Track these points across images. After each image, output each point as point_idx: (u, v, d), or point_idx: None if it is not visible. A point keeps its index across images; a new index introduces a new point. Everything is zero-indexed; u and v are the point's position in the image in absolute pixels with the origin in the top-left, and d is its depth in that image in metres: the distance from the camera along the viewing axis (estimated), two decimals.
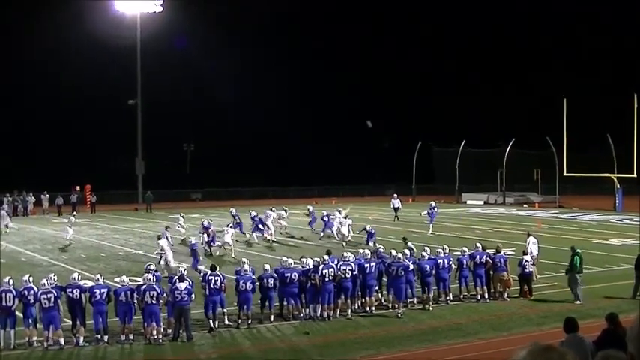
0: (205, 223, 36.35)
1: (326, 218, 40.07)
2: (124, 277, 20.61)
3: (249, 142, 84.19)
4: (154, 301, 19.41)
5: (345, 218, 38.55)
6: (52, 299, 18.80)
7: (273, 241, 38.20)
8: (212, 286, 20.63)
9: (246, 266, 21.73)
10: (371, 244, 33.50)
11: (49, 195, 62.22)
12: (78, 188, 63.45)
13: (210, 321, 20.49)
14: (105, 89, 75.23)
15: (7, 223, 46.11)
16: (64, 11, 76.11)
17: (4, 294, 18.91)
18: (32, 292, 19.15)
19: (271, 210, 40.30)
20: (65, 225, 37.65)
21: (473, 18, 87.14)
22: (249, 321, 20.98)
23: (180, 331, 19.72)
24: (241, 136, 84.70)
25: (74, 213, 42.50)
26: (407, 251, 23.52)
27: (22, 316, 19.28)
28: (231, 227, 35.79)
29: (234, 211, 40.62)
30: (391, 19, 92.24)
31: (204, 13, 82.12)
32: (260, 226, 38.90)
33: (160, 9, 66.21)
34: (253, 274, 21.67)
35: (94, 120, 76.55)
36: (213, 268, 21.40)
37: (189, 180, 79.58)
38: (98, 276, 20.45)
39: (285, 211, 43.01)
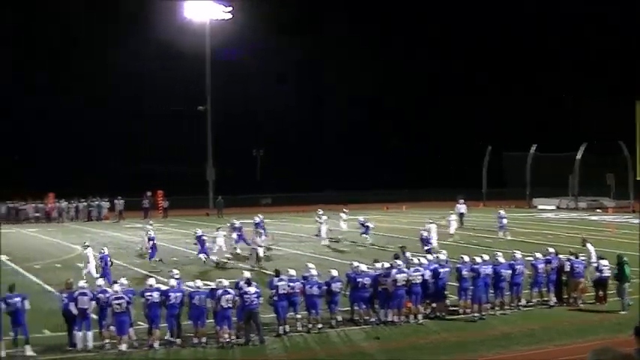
0: (237, 224, 37.23)
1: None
2: (197, 282, 20.82)
3: (318, 147, 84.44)
4: (229, 305, 19.63)
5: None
6: (124, 305, 19.08)
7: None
8: (280, 291, 20.78)
9: (313, 271, 21.79)
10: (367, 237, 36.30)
11: (123, 200, 63.45)
12: (149, 194, 64.43)
13: (281, 327, 20.60)
14: (176, 96, 76.16)
15: None
16: (134, 18, 77.49)
17: (80, 297, 19.26)
18: (106, 295, 19.50)
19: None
20: (143, 233, 38.00)
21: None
22: (320, 326, 21.02)
23: (252, 335, 19.85)
24: (310, 141, 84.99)
25: (150, 222, 42.78)
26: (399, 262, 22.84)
27: (96, 318, 19.65)
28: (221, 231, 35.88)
29: (258, 219, 39.99)
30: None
31: (272, 19, 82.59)
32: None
33: (230, 16, 66.62)
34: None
35: (165, 126, 77.61)
36: (277, 274, 21.54)
37: (259, 185, 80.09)
38: (172, 280, 20.76)
39: (345, 212, 43.41)
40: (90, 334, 19.19)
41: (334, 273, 21.84)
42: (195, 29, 67.13)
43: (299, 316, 21.10)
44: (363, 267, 22.20)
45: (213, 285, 20.42)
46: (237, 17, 67.40)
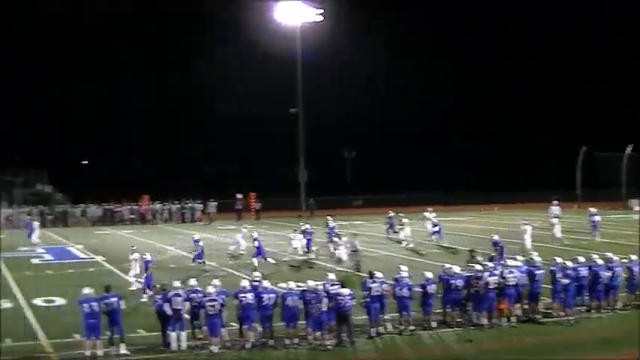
0: (308, 227, 37.54)
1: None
2: (290, 283, 20.88)
3: (411, 148, 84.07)
4: (321, 307, 19.65)
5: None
6: (217, 306, 19.16)
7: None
8: (373, 293, 20.68)
9: (404, 273, 21.60)
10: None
11: (216, 202, 64.32)
12: (240, 196, 65.16)
13: (372, 329, 20.50)
14: (267, 98, 76.76)
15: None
16: (227, 21, 78.37)
17: (174, 297, 19.50)
18: (199, 295, 19.70)
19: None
20: (237, 236, 38.30)
21: None
22: (412, 327, 20.87)
23: (343, 336, 19.81)
24: (402, 142, 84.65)
25: (245, 225, 43.08)
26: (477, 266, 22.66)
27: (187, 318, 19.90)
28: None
29: (331, 223, 39.66)
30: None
31: (364, 21, 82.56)
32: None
33: (321, 18, 66.84)
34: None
35: (258, 128, 78.34)
36: (371, 275, 21.45)
37: (350, 186, 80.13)
38: (266, 282, 20.86)
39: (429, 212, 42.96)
40: (183, 334, 19.38)
41: (429, 275, 21.60)
42: (286, 32, 67.54)
43: (387, 317, 20.97)
44: (456, 269, 21.99)
45: (304, 286, 20.46)
46: (327, 19, 67.62)
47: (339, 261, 31.59)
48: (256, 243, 33.69)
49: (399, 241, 41.03)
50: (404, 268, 22.14)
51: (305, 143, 68.47)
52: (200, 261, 33.40)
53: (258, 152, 79.36)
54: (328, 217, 40.90)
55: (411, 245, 39.69)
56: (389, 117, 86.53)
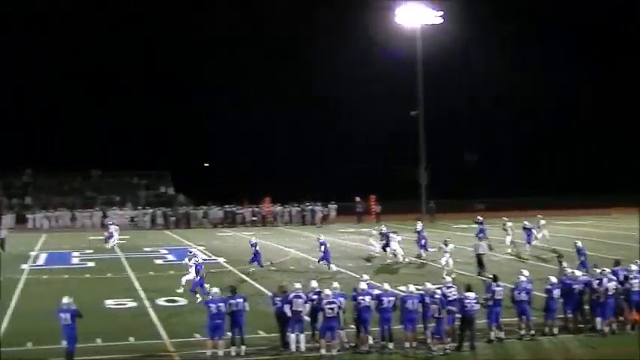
0: (384, 229, 37.74)
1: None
2: (410, 286, 20.62)
3: (535, 150, 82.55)
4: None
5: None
6: (336, 309, 19.09)
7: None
8: (497, 297, 20.38)
9: (523, 277, 21.28)
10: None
11: (336, 205, 64.57)
12: (358, 199, 65.28)
13: (492, 333, 20.21)
14: (387, 100, 76.53)
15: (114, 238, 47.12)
16: (347, 23, 78.55)
17: (295, 299, 19.47)
18: (319, 297, 19.62)
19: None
20: (370, 239, 38.15)
21: None
22: (532, 332, 20.51)
23: (464, 341, 19.52)
24: (526, 144, 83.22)
25: (375, 227, 42.81)
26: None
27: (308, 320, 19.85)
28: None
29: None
30: None
31: (484, 23, 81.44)
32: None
33: (441, 20, 66.26)
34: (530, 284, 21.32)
35: (378, 130, 78.19)
36: (495, 279, 21.08)
37: (472, 189, 79.00)
38: (386, 284, 20.63)
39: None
40: (303, 336, 19.36)
41: (554, 280, 21.32)
42: (407, 33, 67.17)
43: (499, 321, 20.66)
44: (578, 273, 21.47)
45: (422, 290, 20.18)
46: (447, 21, 66.96)
47: (444, 267, 30.84)
48: (322, 247, 33.48)
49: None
50: (525, 272, 21.81)
51: (425, 145, 67.88)
52: (325, 263, 33.24)
53: (378, 154, 79.15)
54: (418, 222, 40.57)
55: (515, 250, 38.72)
56: (510, 119, 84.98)
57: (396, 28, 67.02)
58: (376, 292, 20.20)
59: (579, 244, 30.83)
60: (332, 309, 19.03)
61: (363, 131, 79.52)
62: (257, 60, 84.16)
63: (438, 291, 19.95)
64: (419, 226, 38.82)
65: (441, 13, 65.91)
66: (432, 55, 68.46)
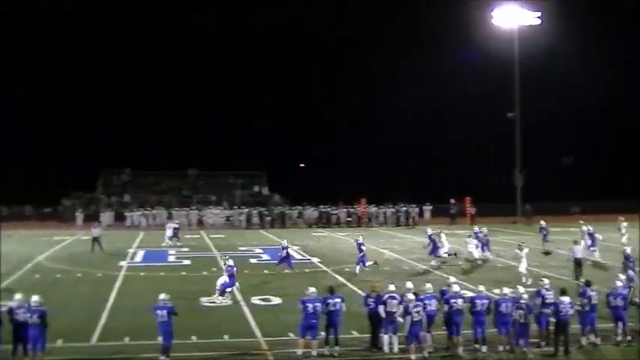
0: (478, 230, 37.89)
1: None
2: (504, 289, 20.32)
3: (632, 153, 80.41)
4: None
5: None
6: (420, 312, 18.98)
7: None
8: (593, 302, 20.07)
9: (619, 282, 21.03)
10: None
11: (431, 206, 64.27)
12: (453, 201, 64.80)
13: (584, 338, 19.90)
14: (484, 101, 75.74)
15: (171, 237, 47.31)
16: (444, 23, 77.99)
17: (389, 300, 19.37)
18: (406, 299, 19.51)
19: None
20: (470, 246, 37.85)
21: None
22: (629, 338, 20.16)
23: (560, 345, 19.25)
24: (621, 146, 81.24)
25: (474, 229, 42.42)
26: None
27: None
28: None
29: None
30: None
31: (581, 22, 79.81)
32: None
33: (539, 21, 65.40)
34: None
35: (474, 131, 77.44)
36: (588, 284, 20.73)
37: (568, 192, 77.52)
38: (481, 287, 20.47)
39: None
40: (395, 337, 19.28)
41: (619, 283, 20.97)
42: (504, 35, 66.43)
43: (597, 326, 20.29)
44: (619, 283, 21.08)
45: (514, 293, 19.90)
46: (545, 22, 65.99)
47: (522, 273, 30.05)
48: (363, 248, 33.40)
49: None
50: (622, 277, 21.60)
51: (521, 147, 66.97)
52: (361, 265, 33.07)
53: (474, 156, 78.40)
54: (475, 227, 40.59)
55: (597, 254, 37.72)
56: (607, 120, 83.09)
57: (494, 30, 66.38)
58: (469, 294, 19.98)
59: (628, 250, 30.30)
60: (418, 312, 18.89)
61: (459, 132, 78.88)
62: (363, 60, 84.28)
63: (525, 296, 19.59)
64: (476, 228, 39.34)
65: (539, 14, 65.08)
66: (529, 56, 67.51)
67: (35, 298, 18.32)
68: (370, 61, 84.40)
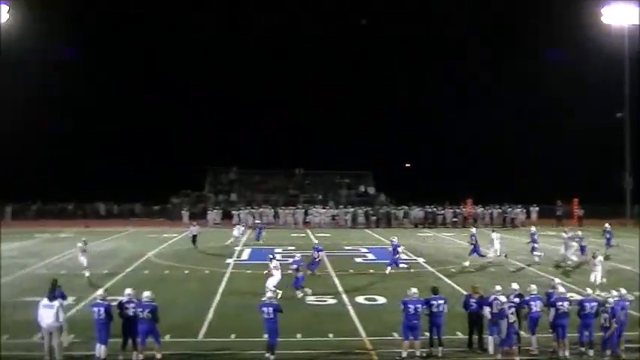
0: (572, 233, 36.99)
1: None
2: (612, 292, 19.87)
3: None
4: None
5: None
6: (515, 313, 18.71)
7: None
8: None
9: None
10: None
11: (537, 208, 63.30)
12: (560, 203, 63.73)
13: None
14: (592, 101, 74.03)
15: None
16: (554, 26, 76.56)
17: (495, 301, 19.14)
18: (520, 299, 19.25)
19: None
20: (566, 241, 37.19)
21: None
22: None
23: None
24: None
25: (565, 230, 41.72)
26: None
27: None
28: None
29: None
30: None
31: None
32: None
33: None
34: None
35: (582, 132, 75.75)
36: None
37: None
38: (589, 289, 20.19)
39: None
40: (491, 339, 19.20)
41: None
42: (613, 33, 64.93)
43: None
44: None
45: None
46: None
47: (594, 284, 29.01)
48: (399, 249, 33.92)
49: None
50: None
51: (631, 149, 65.27)
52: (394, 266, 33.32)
53: (582, 157, 76.67)
54: (532, 227, 40.11)
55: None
56: None
57: (603, 28, 64.98)
58: (577, 297, 19.64)
59: None
60: (513, 313, 18.65)
61: (567, 132, 77.21)
62: (471, 61, 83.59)
63: (611, 300, 19.17)
64: (533, 229, 38.85)
65: None
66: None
67: (147, 293, 18.89)
68: (475, 61, 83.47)
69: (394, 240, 34.28)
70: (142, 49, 78.83)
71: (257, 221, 56.01)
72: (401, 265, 33.59)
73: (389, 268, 32.81)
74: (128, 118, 77.18)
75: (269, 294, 19.98)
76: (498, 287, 19.81)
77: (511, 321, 18.59)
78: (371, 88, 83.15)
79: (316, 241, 47.99)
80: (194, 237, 43.68)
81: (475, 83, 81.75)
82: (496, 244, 36.79)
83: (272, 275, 26.68)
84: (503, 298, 19.10)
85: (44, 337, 18.54)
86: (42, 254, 40.21)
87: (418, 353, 18.78)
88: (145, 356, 18.32)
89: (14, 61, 61.99)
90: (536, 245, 37.20)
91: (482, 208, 64.94)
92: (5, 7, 67.39)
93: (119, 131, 75.80)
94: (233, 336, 20.86)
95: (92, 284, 29.05)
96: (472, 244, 36.43)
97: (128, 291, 19.19)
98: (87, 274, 31.57)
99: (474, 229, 39.16)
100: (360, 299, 26.38)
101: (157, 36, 79.32)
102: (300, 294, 26.71)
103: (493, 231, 39.13)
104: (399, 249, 34.91)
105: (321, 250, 33.73)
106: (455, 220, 63.73)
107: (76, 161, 73.08)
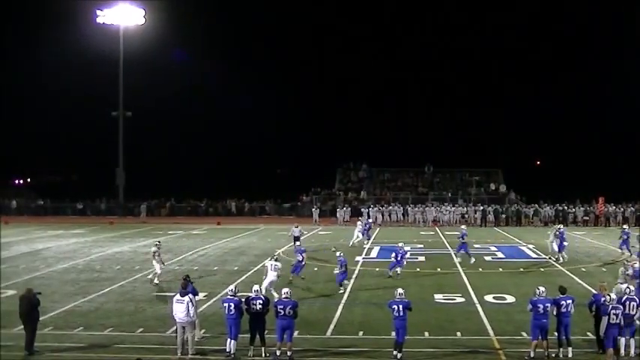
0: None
1: None
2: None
3: None
4: None
5: None
6: (619, 314, 18.17)
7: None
8: None
9: None
10: None
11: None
12: None
13: None
14: None
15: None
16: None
17: (628, 302, 18.69)
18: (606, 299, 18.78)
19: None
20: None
21: None
22: None
23: None
24: None
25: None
26: None
27: None
28: None
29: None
30: None
31: None
32: None
33: None
34: None
35: None
36: None
37: None
38: None
39: None
40: (633, 340, 18.78)
41: None
42: None
43: None
44: None
45: None
46: None
47: None
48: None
49: None
50: None
51: None
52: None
53: None
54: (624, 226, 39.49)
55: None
56: None
57: None
58: None
59: None
60: (616, 315, 18.10)
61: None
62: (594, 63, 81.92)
63: None
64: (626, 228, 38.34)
65: None
66: None
67: (285, 290, 19.23)
68: (607, 61, 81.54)
69: (464, 229, 35.95)
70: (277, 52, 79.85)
71: (369, 220, 55.23)
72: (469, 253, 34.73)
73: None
74: (260, 120, 78.68)
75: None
76: (631, 287, 19.35)
77: (612, 322, 18.03)
78: (502, 87, 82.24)
79: (445, 240, 47.75)
80: (295, 238, 40.70)
81: (607, 83, 79.82)
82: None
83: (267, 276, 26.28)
84: (613, 295, 18.76)
85: (177, 330, 19.11)
86: (175, 250, 41.43)
87: (546, 353, 18.54)
88: (279, 352, 18.61)
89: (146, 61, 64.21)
90: None
91: (615, 207, 63.18)
92: (141, 12, 69.96)
93: (252, 132, 77.35)
94: (361, 333, 21.01)
95: (223, 281, 29.74)
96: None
97: (256, 287, 19.57)
98: (156, 281, 29.32)
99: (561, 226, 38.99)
100: (489, 298, 26.17)
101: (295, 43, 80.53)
102: (341, 289, 27.23)
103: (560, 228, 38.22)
104: (466, 237, 36.09)
105: (304, 252, 30.62)
106: (586, 218, 62.26)
107: (208, 161, 75.05)
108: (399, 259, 31.32)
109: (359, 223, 47.20)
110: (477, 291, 27.30)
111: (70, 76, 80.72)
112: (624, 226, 40.01)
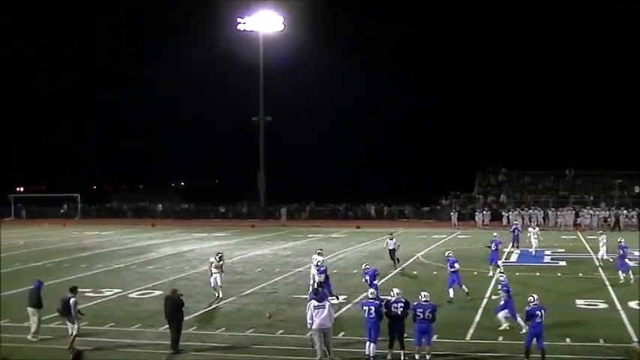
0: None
1: None
2: None
3: None
4: None
5: None
6: None
7: None
8: None
9: None
10: None
11: None
12: None
13: None
14: None
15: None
16: None
17: None
18: None
19: None
20: None
21: None
22: None
23: None
24: None
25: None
26: None
27: None
28: None
29: None
30: None
31: None
32: None
33: None
34: None
35: None
36: None
37: None
38: None
39: None
40: None
41: None
42: None
43: None
44: None
45: None
46: None
47: None
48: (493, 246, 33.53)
49: None
50: None
51: None
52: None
53: None
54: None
55: None
56: None
57: None
58: None
59: None
60: None
61: None
62: None
63: None
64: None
65: None
66: None
67: (424, 293, 19.35)
68: None
69: (496, 237, 34.57)
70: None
71: (515, 222, 54.45)
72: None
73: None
74: (401, 125, 78.98)
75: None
76: None
77: None
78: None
79: (587, 244, 46.78)
80: (391, 251, 37.22)
81: None
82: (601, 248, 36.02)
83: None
84: None
85: (315, 336, 19.11)
86: (313, 254, 41.96)
87: None
88: (417, 356, 18.77)
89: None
90: None
91: None
92: (281, 18, 71.44)
93: (394, 136, 77.70)
94: (501, 338, 20.94)
95: (360, 285, 30.02)
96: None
97: (396, 290, 19.77)
98: (218, 294, 27.35)
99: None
100: (633, 304, 25.58)
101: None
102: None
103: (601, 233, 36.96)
104: (500, 246, 35.02)
105: (324, 272, 26.94)
106: None
107: (348, 164, 75.76)
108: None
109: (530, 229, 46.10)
110: (621, 297, 26.73)
111: (213, 82, 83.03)
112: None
